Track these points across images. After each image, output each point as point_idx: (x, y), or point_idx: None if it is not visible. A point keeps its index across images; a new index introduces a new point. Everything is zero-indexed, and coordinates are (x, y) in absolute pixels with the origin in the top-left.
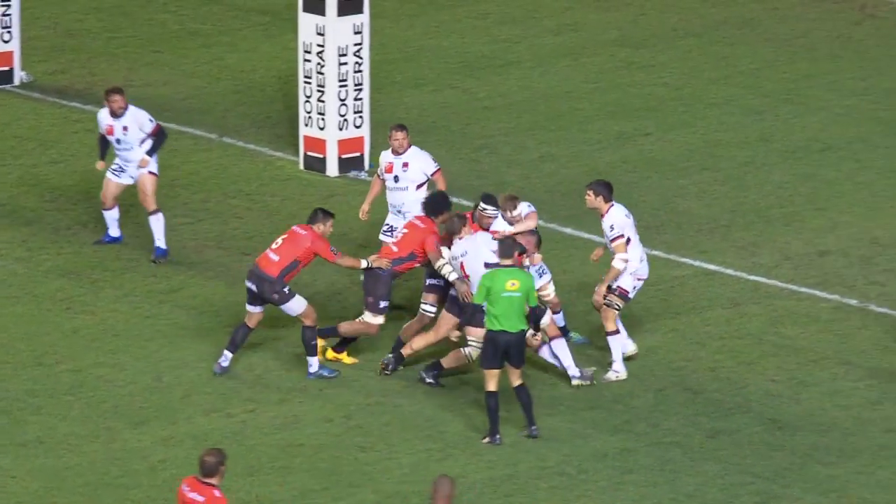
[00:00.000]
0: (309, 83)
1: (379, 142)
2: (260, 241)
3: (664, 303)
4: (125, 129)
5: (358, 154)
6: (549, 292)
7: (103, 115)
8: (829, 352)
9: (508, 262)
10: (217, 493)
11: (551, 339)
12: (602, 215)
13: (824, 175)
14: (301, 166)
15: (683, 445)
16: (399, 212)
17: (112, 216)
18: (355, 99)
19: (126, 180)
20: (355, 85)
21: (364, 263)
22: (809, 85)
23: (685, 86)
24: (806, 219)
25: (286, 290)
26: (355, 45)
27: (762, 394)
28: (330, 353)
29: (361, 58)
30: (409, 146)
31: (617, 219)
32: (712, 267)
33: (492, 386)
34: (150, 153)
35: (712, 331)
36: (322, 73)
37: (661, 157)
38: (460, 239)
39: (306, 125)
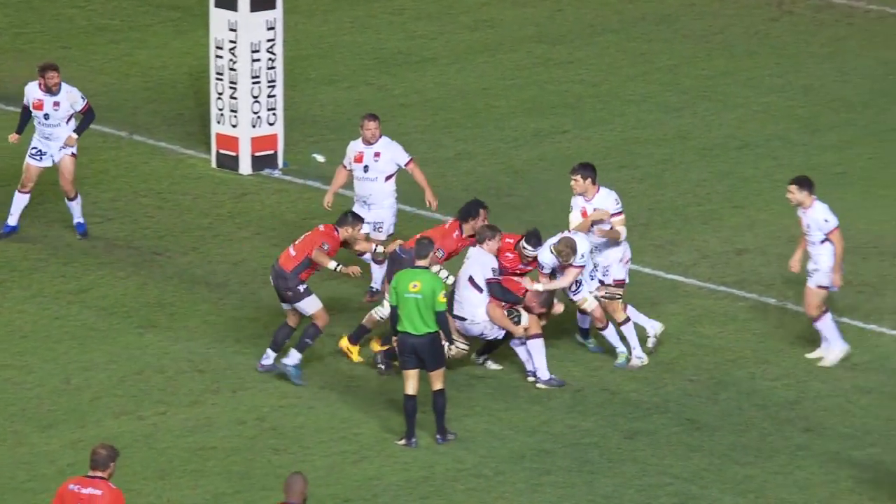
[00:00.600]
0: (221, 80)
1: (293, 139)
2: (171, 241)
3: None
4: (56, 105)
5: (271, 152)
6: (589, 305)
7: (32, 89)
8: (747, 351)
9: (421, 262)
10: (111, 485)
11: (529, 337)
12: (590, 199)
13: (742, 173)
14: (213, 164)
15: (601, 446)
16: (365, 203)
17: (21, 203)
18: (269, 96)
19: (47, 163)
20: (268, 82)
21: (333, 265)
22: (727, 82)
23: (603, 83)
24: (724, 217)
25: (300, 287)
26: (268, 41)
27: (680, 394)
28: (343, 342)
29: (275, 54)
30: (381, 136)
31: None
32: (630, 266)
33: (408, 388)
34: (77, 132)
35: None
36: (234, 70)
37: (579, 154)
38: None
39: (218, 122)
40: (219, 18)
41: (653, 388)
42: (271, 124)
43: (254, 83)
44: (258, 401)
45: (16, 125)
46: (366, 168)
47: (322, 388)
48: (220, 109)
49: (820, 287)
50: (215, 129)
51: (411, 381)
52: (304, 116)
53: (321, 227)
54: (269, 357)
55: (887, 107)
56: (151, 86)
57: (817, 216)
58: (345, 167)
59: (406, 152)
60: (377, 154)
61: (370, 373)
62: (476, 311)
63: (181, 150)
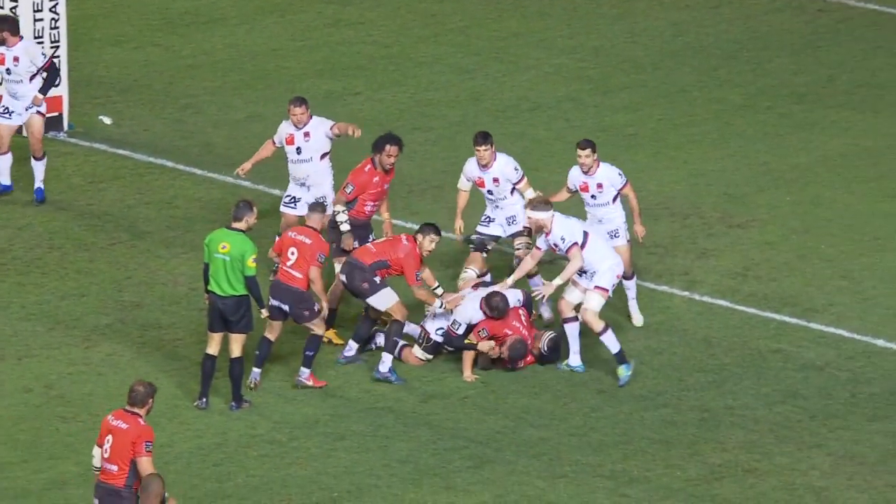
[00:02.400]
0: None
1: (78, 101)
2: None
3: None
4: (16, 59)
5: (57, 114)
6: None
7: None
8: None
9: (237, 224)
10: (142, 421)
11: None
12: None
13: (535, 134)
14: None
15: (396, 410)
16: (304, 184)
17: (6, 163)
18: (52, 57)
19: (16, 121)
20: (52, 42)
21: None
22: (519, 43)
23: (394, 44)
24: None
25: (376, 280)
26: (51, 0)
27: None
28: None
29: (58, 14)
30: (310, 118)
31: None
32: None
33: (209, 348)
34: (42, 91)
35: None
36: None
37: (372, 116)
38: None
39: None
40: None
41: (447, 352)
42: (56, 86)
43: (37, 43)
44: (45, 368)
45: None
46: (298, 150)
47: (111, 355)
48: None
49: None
50: None
51: (214, 342)
52: (90, 78)
53: (404, 241)
54: (352, 349)
55: (676, 68)
56: None
57: (609, 174)
58: (274, 143)
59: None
60: (307, 135)
61: (161, 338)
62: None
63: None
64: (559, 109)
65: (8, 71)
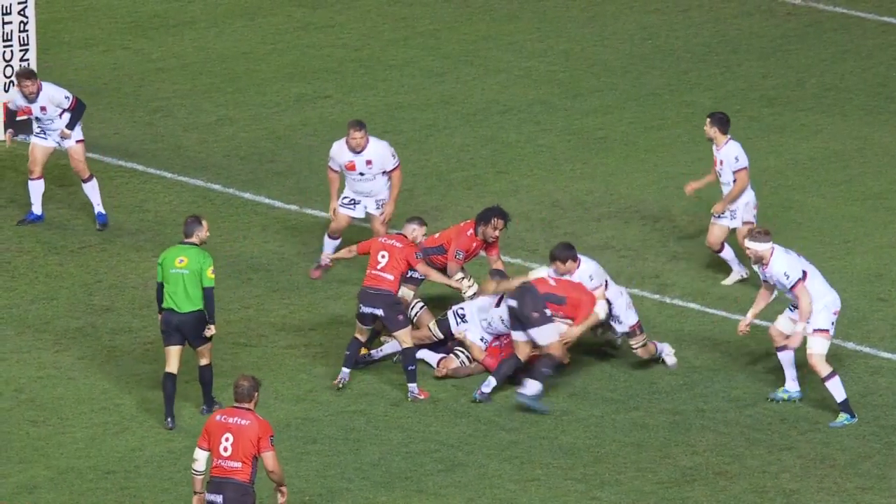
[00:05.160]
0: None
1: None
2: None
3: (346, 270)
4: (43, 109)
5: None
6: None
7: (16, 96)
8: None
9: (189, 239)
10: (258, 415)
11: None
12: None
13: (505, 138)
14: None
15: (367, 414)
16: (368, 195)
17: (37, 190)
18: (21, 59)
19: (52, 143)
20: (21, 45)
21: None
22: (489, 46)
23: (364, 47)
24: (487, 182)
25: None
26: (20, 3)
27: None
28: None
29: (27, 17)
30: (368, 141)
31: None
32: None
33: (169, 366)
34: (70, 127)
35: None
36: None
37: (342, 119)
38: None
39: None
40: None
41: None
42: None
43: (5, 47)
44: (15, 372)
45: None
46: (361, 174)
47: (81, 359)
48: None
49: (745, 223)
50: None
51: (173, 359)
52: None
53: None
54: (489, 385)
55: (646, 71)
56: None
57: (731, 152)
58: (333, 170)
59: (394, 156)
60: (369, 162)
61: (131, 342)
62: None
63: None
64: (529, 113)
65: (37, 119)
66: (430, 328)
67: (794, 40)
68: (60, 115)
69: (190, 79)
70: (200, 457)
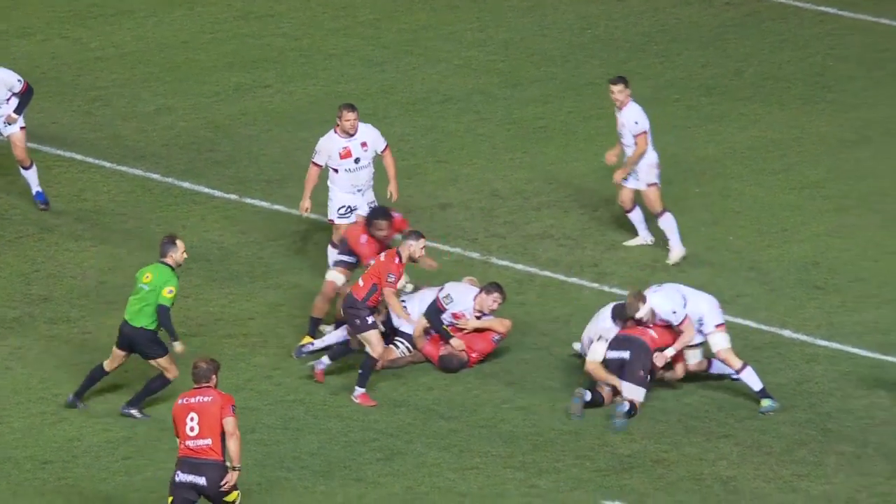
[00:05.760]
0: None
1: None
2: None
3: (286, 259)
4: None
5: None
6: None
7: None
8: None
9: (164, 259)
10: (219, 391)
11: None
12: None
13: (445, 127)
14: None
15: (306, 403)
16: (359, 191)
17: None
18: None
19: None
20: None
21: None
22: (429, 36)
23: (304, 36)
24: (427, 171)
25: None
26: None
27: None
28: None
29: None
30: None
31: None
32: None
33: (108, 363)
34: (17, 112)
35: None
36: None
37: (282, 109)
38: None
39: None
40: None
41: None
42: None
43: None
44: None
45: None
46: (357, 160)
47: (19, 349)
48: None
49: (650, 185)
50: None
51: (115, 360)
52: None
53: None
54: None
55: (586, 60)
56: None
57: (632, 115)
58: (317, 165)
59: (381, 135)
60: (364, 144)
61: (69, 331)
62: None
63: None
64: (469, 102)
65: None
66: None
67: (733, 30)
68: (8, 99)
69: (128, 68)
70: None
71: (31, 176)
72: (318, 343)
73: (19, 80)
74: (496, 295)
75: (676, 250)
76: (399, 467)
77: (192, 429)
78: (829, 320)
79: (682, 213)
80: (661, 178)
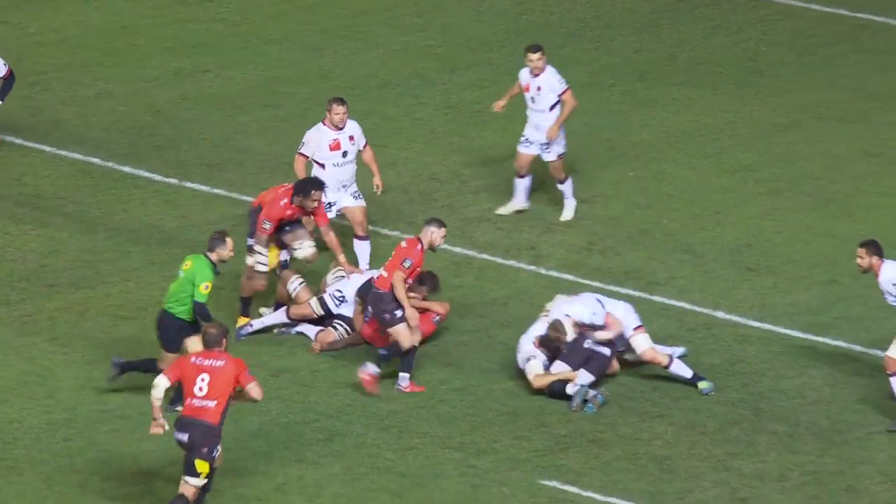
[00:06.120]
0: None
1: None
2: None
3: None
4: None
5: None
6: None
7: None
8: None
9: (209, 254)
10: (230, 355)
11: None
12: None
13: (383, 111)
14: None
15: None
16: (344, 186)
17: None
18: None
19: None
20: None
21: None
22: (367, 21)
23: (243, 22)
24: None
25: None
26: None
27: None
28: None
29: None
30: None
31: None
32: (410, 237)
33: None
34: (0, 97)
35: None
36: None
37: (221, 93)
38: None
39: None
40: None
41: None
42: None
43: None
44: None
45: None
46: (345, 153)
47: None
48: None
49: (560, 156)
50: None
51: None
52: None
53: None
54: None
55: (522, 46)
56: None
57: (553, 77)
58: (303, 156)
59: (363, 134)
60: (352, 138)
61: (9, 314)
62: None
63: None
64: (407, 87)
65: None
66: (311, 305)
67: (666, 16)
68: None
69: (68, 53)
70: (161, 383)
71: None
72: (257, 324)
73: (4, 64)
74: (423, 288)
75: (571, 210)
76: (339, 448)
77: (200, 388)
78: (762, 301)
79: (616, 197)
80: (595, 160)
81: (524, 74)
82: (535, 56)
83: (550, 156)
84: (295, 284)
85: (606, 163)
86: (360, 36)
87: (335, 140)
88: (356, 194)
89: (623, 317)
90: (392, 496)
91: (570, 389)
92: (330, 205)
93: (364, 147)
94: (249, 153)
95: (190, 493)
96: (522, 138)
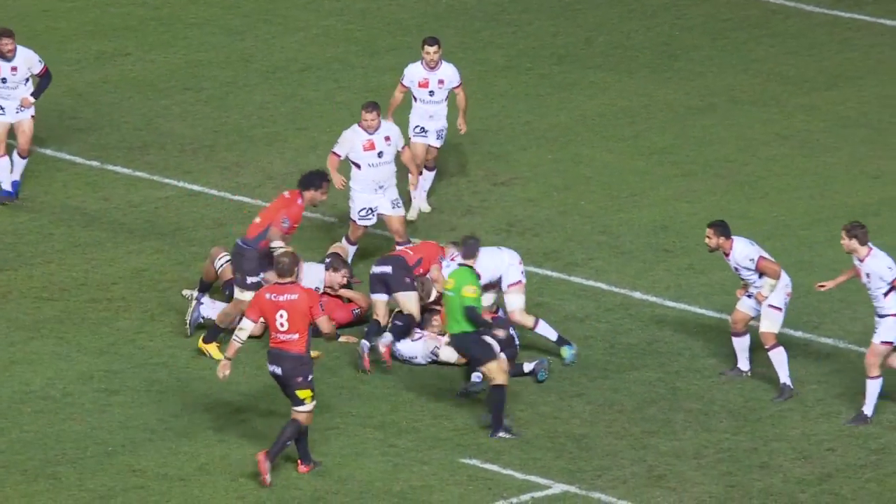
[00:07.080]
0: None
1: None
2: None
3: (149, 224)
4: (14, 69)
5: None
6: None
7: None
8: None
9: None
10: (303, 286)
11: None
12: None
13: (304, 95)
14: None
15: (170, 366)
16: (381, 187)
17: (4, 167)
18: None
19: (9, 118)
20: None
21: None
22: (287, 5)
23: (164, 6)
24: (288, 138)
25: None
26: None
27: None
28: (200, 343)
29: None
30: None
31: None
32: (196, 188)
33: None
34: (35, 95)
35: (197, 251)
36: None
37: (143, 77)
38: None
39: None
40: None
41: None
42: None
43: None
44: None
45: None
46: (380, 154)
47: None
48: None
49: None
50: None
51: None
52: None
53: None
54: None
55: (440, 29)
56: None
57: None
58: (336, 155)
59: (401, 136)
60: (388, 138)
61: None
62: None
63: None
64: (328, 70)
65: (3, 80)
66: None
67: (583, 0)
68: (26, 81)
69: None
70: (247, 326)
71: (21, 165)
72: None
73: (40, 61)
74: (344, 272)
75: (425, 206)
76: (262, 428)
77: (281, 325)
78: (678, 282)
79: (534, 179)
80: (513, 143)
81: (416, 71)
82: (431, 49)
83: (440, 142)
84: (223, 261)
85: (524, 145)
86: (280, 20)
87: (369, 140)
88: (396, 202)
89: (506, 269)
90: (314, 475)
91: (526, 368)
92: (371, 211)
93: (402, 149)
94: (171, 136)
95: (303, 419)
96: (417, 128)
